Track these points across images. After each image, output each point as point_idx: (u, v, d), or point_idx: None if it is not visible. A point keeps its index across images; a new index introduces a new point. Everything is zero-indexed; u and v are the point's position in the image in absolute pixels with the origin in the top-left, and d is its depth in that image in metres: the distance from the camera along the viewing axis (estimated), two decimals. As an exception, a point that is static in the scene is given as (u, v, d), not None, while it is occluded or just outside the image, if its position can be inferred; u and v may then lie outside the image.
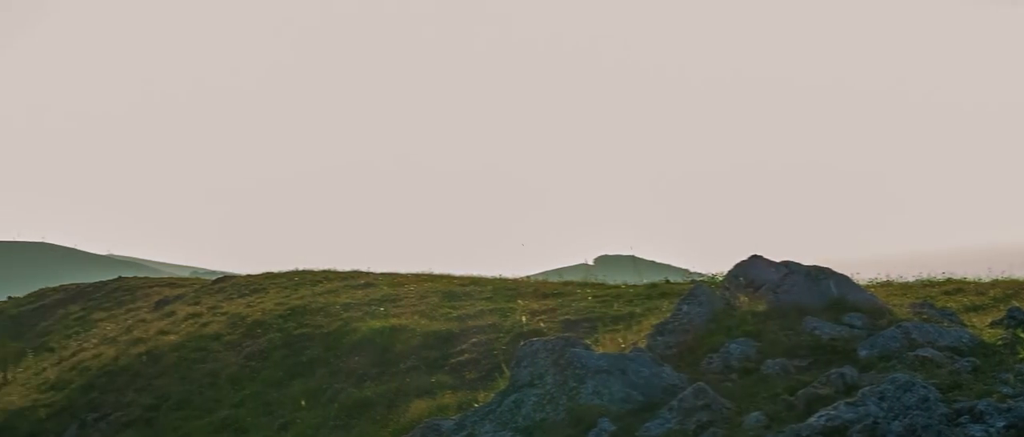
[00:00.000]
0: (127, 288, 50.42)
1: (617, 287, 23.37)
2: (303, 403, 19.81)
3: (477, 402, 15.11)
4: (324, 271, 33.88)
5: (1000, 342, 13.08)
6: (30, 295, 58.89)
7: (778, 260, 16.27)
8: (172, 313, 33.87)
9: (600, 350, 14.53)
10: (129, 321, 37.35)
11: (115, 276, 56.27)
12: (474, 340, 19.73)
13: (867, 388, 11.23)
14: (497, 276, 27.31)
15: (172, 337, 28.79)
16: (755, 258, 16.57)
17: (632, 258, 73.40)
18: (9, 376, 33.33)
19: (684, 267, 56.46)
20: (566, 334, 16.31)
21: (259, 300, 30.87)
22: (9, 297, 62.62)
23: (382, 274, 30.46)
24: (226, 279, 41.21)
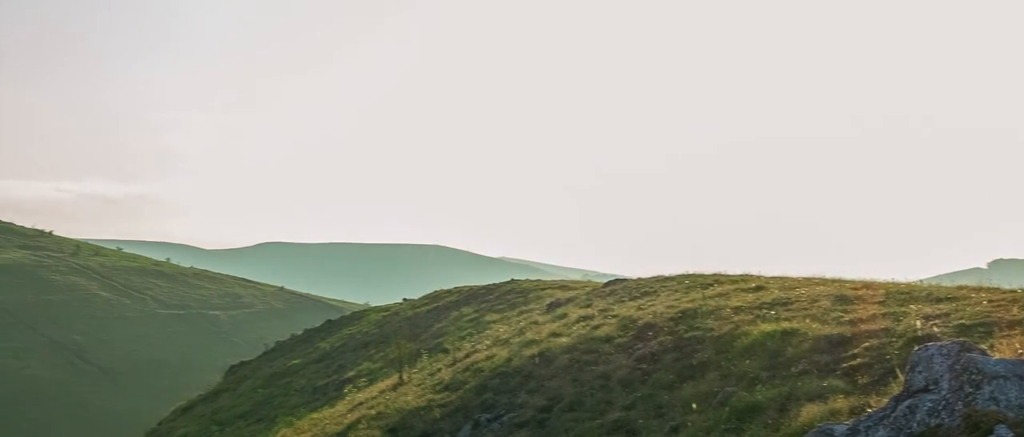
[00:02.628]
0: (519, 290, 53.23)
1: (1014, 292, 22.92)
2: (694, 406, 20.72)
3: (870, 407, 15.49)
4: (714, 274, 34.80)
5: None
6: (425, 297, 63.41)
7: None
8: (564, 315, 35.75)
9: (996, 356, 14.66)
10: (521, 323, 39.58)
11: (508, 278, 59.21)
12: (866, 344, 20.10)
13: None
14: (889, 280, 27.36)
15: (564, 339, 30.49)
16: None
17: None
18: (405, 376, 36.32)
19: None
20: (961, 339, 16.48)
21: (649, 303, 32.16)
22: (405, 299, 67.67)
23: (772, 278, 31.05)
24: (617, 282, 42.78)
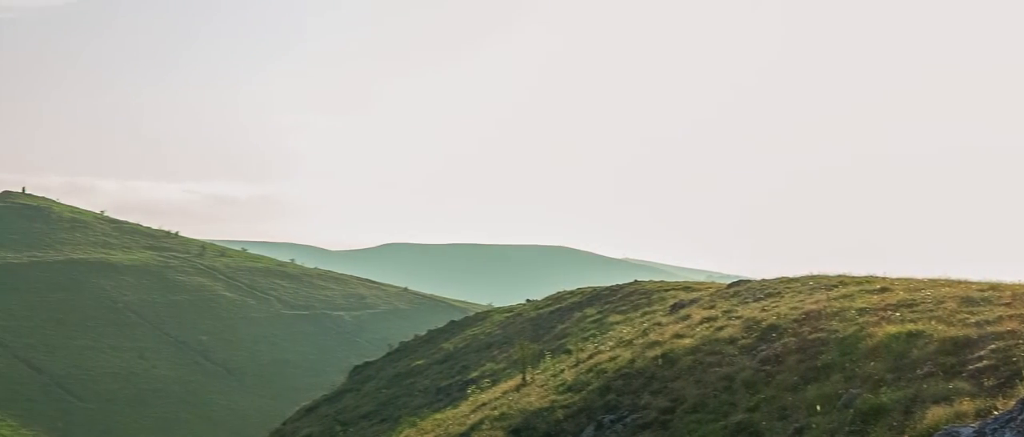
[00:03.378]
0: (643, 291, 53.55)
1: None
2: (818, 408, 20.93)
3: (996, 410, 15.60)
4: (838, 276, 34.72)
5: None
6: (548, 298, 64.07)
7: None
8: (687, 316, 36.00)
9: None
10: (645, 324, 39.92)
11: (631, 279, 59.58)
12: (993, 347, 20.12)
13: None
14: (1016, 281, 27.17)
15: (687, 341, 30.77)
16: None
17: None
18: (528, 377, 36.91)
19: None
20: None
21: (774, 304, 32.28)
22: (528, 300, 68.40)
23: (897, 279, 30.95)
24: (741, 283, 42.87)
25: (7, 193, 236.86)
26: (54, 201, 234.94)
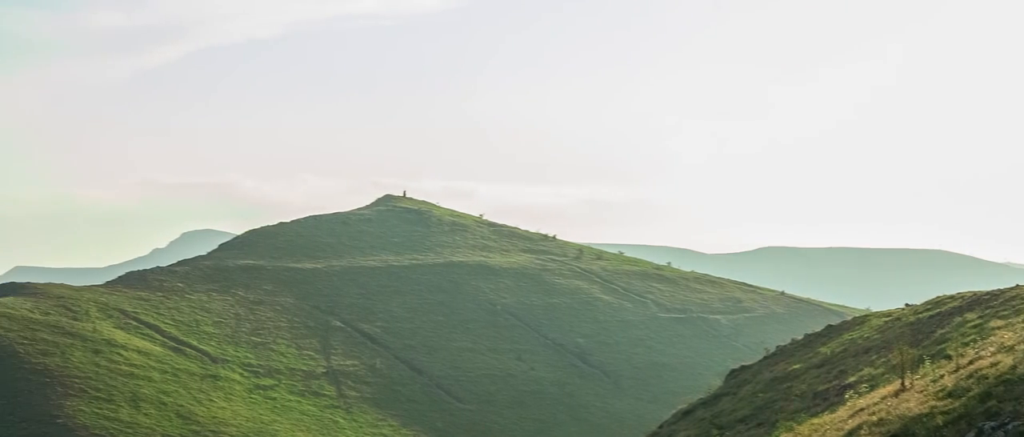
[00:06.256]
0: (1024, 296, 52.16)
1: None
2: None
3: None
4: None
5: None
6: (927, 303, 63.19)
7: None
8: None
9: None
10: (1028, 330, 39.21)
11: (1013, 284, 58.01)
12: None
13: None
14: None
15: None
16: None
17: None
18: (907, 383, 36.99)
19: None
20: None
21: None
22: (907, 304, 67.57)
23: None
24: None
25: (388, 197, 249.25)
26: (434, 205, 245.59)
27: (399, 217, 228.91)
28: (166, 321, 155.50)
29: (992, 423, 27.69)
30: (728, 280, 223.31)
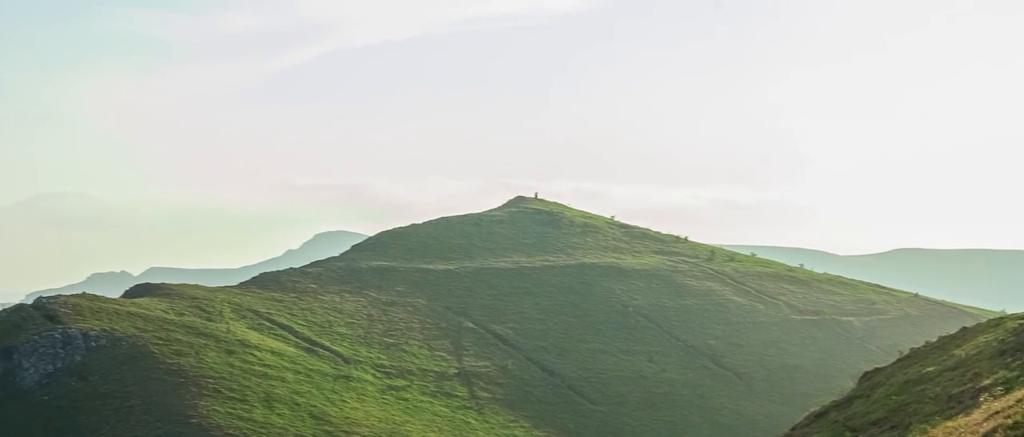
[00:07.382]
0: None
1: None
2: None
3: None
4: None
5: None
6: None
7: None
8: None
9: None
10: None
11: None
12: None
13: None
14: None
15: None
16: None
17: None
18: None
19: None
20: None
21: None
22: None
23: None
24: None
25: (520, 198, 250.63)
26: (566, 206, 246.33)
27: (530, 218, 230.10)
28: (299, 322, 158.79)
29: None
30: (861, 282, 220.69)
